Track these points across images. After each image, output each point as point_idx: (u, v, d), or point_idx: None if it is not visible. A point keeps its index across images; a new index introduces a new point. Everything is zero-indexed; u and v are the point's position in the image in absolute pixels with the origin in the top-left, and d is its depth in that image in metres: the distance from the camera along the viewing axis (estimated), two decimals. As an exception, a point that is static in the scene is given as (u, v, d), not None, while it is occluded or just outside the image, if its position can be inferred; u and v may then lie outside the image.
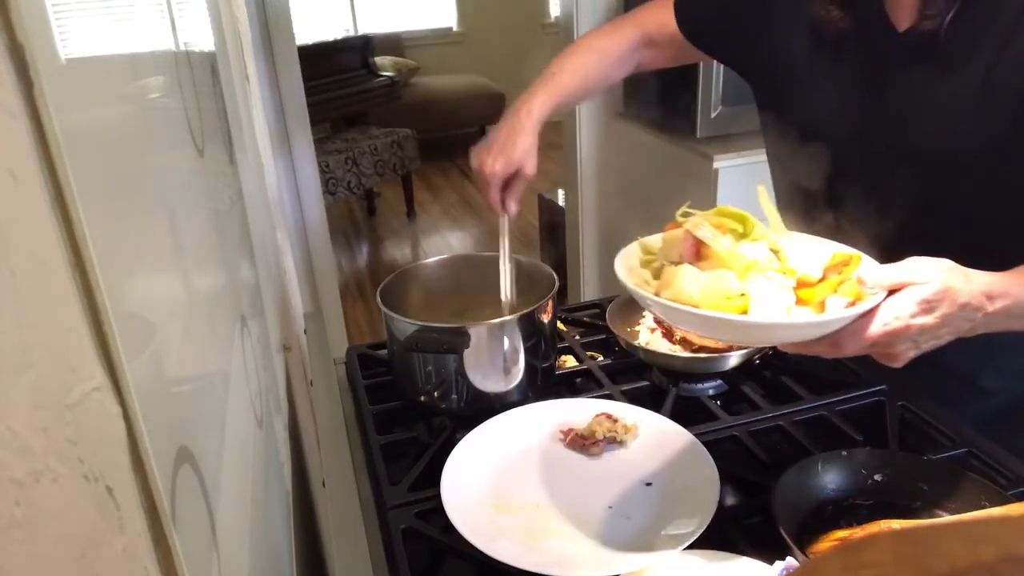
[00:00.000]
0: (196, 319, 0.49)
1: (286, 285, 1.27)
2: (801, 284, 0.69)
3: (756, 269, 0.68)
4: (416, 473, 0.90)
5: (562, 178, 3.02)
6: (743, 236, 0.71)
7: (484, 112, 5.90)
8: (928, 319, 0.67)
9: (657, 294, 0.70)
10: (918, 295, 0.67)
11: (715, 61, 1.16)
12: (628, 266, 0.75)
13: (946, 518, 0.77)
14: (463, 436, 0.91)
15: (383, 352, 1.18)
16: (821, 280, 0.69)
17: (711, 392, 1.05)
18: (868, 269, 0.69)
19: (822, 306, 0.68)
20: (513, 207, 1.03)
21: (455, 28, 6.40)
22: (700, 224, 0.71)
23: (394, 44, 5.91)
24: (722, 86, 2.20)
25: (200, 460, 0.40)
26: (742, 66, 1.12)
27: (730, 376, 1.06)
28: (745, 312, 0.66)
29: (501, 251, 1.06)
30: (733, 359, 1.03)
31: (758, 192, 0.75)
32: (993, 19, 0.83)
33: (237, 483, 0.53)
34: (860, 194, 0.98)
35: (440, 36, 6.36)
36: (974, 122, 0.85)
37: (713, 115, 2.25)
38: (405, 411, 1.05)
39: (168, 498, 0.31)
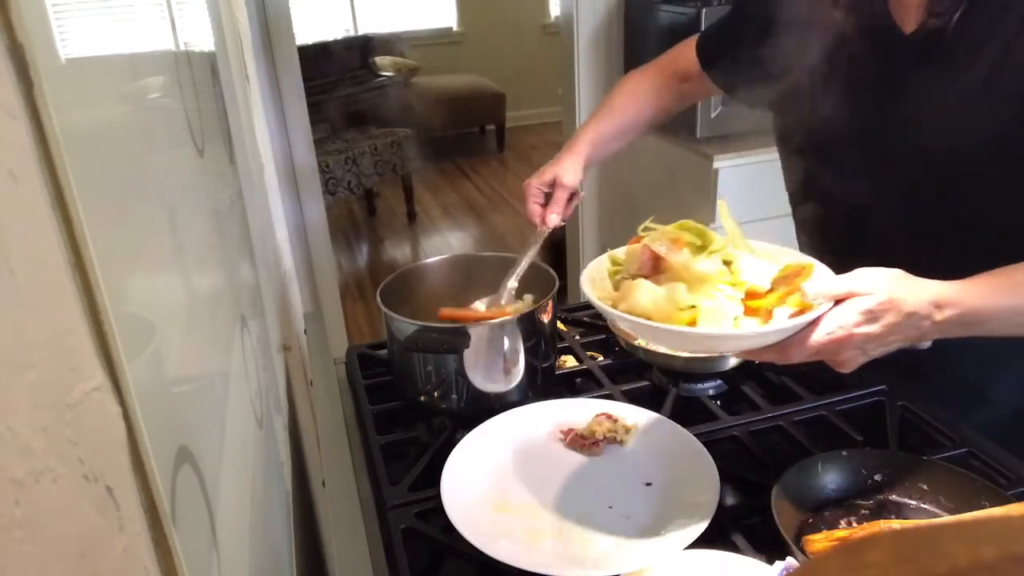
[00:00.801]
0: (196, 319, 0.49)
1: (286, 285, 1.27)
2: (750, 295, 0.71)
3: (707, 282, 0.72)
4: (416, 473, 0.90)
5: (562, 178, 3.02)
6: (702, 249, 0.74)
7: (484, 112, 5.90)
8: (873, 328, 0.70)
9: (615, 306, 0.73)
10: (862, 306, 0.69)
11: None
12: (592, 278, 0.80)
13: (946, 518, 0.77)
14: (463, 436, 0.91)
15: (383, 352, 1.18)
16: (770, 291, 0.72)
17: (711, 392, 1.05)
18: (815, 280, 0.72)
19: (770, 316, 0.70)
20: (553, 219, 1.08)
21: (455, 28, 6.40)
22: (657, 239, 0.75)
23: (394, 44, 5.91)
24: (722, 86, 2.20)
25: (200, 460, 0.40)
26: (759, 97, 1.14)
27: (730, 376, 1.06)
28: (694, 324, 0.70)
29: (527, 250, 1.08)
30: (733, 359, 1.03)
31: (718, 207, 0.78)
32: (1000, 19, 0.83)
33: (237, 483, 0.53)
34: (868, 195, 0.98)
35: (440, 36, 6.36)
36: (977, 122, 0.85)
37: (713, 115, 2.25)
38: (405, 411, 1.05)
39: (168, 498, 0.31)
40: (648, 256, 0.75)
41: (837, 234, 1.07)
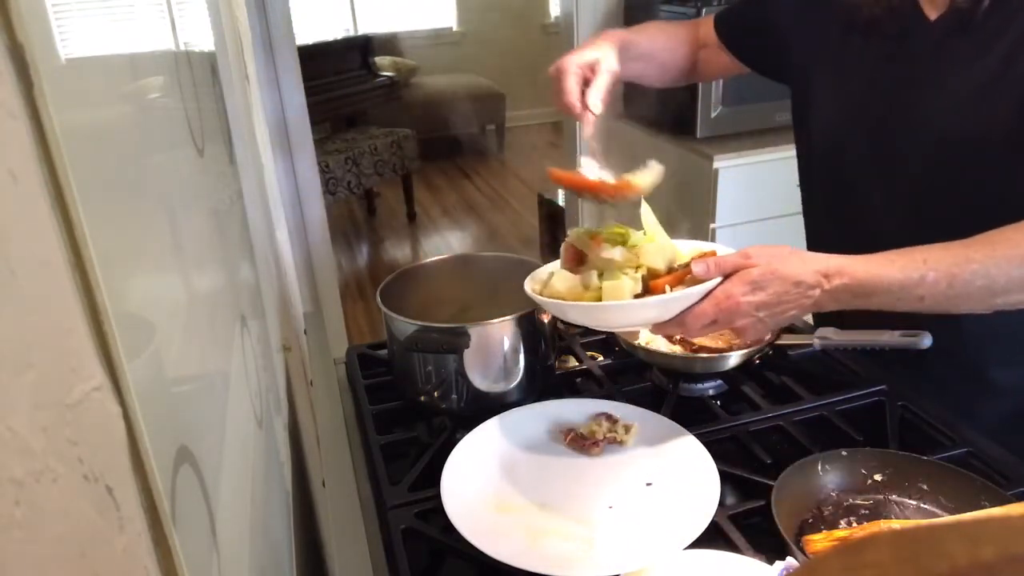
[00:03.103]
0: (196, 319, 0.49)
1: (286, 285, 1.27)
2: (652, 276, 0.82)
3: (613, 267, 0.82)
4: (416, 473, 0.90)
5: (562, 178, 3.02)
6: (622, 244, 0.84)
7: (484, 112, 5.90)
8: (760, 296, 0.78)
9: (540, 293, 0.87)
10: (746, 277, 0.78)
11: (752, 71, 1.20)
12: (533, 276, 0.92)
13: (946, 518, 0.77)
14: (463, 436, 0.91)
15: (383, 352, 1.18)
16: (668, 272, 0.82)
17: (711, 392, 1.05)
18: (703, 259, 0.80)
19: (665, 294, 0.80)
20: (597, 103, 0.92)
21: (455, 28, 6.40)
22: (579, 236, 0.86)
23: (394, 44, 5.91)
24: (722, 86, 2.20)
25: (200, 460, 0.40)
26: (777, 70, 1.15)
27: (730, 376, 1.06)
28: (599, 301, 0.81)
29: (588, 152, 0.92)
30: (733, 359, 1.03)
31: (642, 209, 0.88)
32: (1022, 8, 0.84)
33: (237, 483, 0.53)
34: (879, 185, 0.98)
35: (440, 36, 6.36)
36: (993, 111, 0.85)
37: (713, 115, 2.25)
38: (405, 411, 1.05)
39: (168, 498, 0.31)
40: (571, 252, 0.87)
41: (846, 225, 1.07)
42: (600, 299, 0.81)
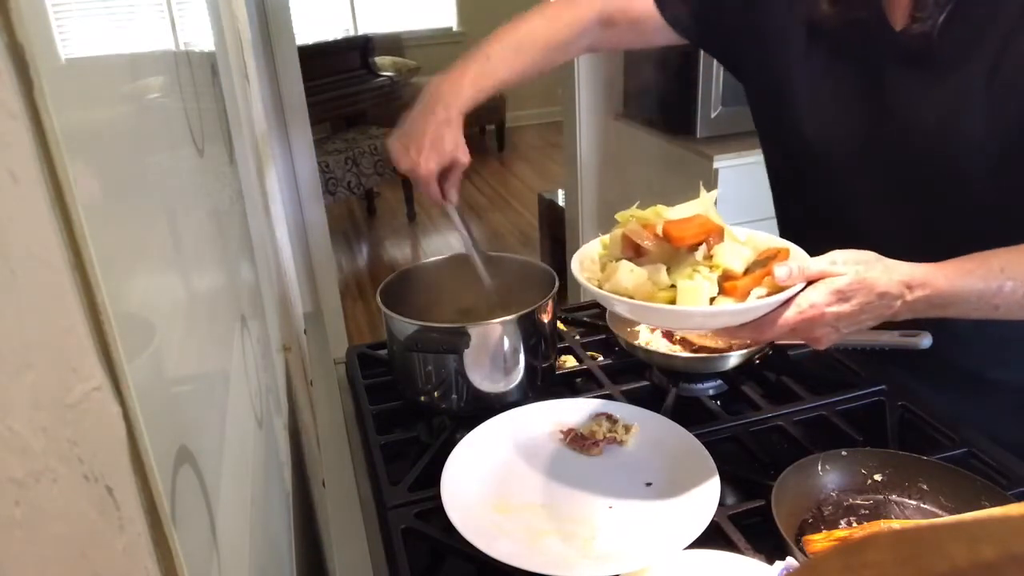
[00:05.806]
0: (196, 319, 0.49)
1: (286, 285, 1.27)
2: (727, 277, 0.76)
3: (686, 264, 0.76)
4: (416, 473, 0.90)
5: (562, 178, 3.03)
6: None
7: (484, 112, 5.89)
8: (844, 307, 0.73)
9: (600, 286, 0.78)
10: (833, 285, 0.73)
11: (710, 58, 1.14)
12: (581, 261, 0.84)
13: (946, 518, 0.77)
14: (463, 436, 0.91)
15: (383, 352, 1.18)
16: (746, 273, 0.76)
17: (711, 392, 1.05)
18: (786, 263, 0.75)
19: (744, 297, 0.74)
20: (454, 195, 1.01)
21: (455, 28, 6.40)
22: (634, 226, 0.79)
23: (394, 44, 5.91)
24: (722, 86, 2.20)
25: (200, 460, 0.40)
26: (734, 62, 1.10)
27: (730, 376, 1.06)
28: (673, 302, 0.74)
29: (463, 241, 1.05)
30: (733, 359, 1.03)
31: (705, 196, 0.82)
32: (992, 20, 0.81)
33: (237, 483, 0.53)
34: (863, 198, 0.97)
35: (440, 36, 6.36)
36: (974, 125, 0.83)
37: (713, 115, 2.25)
38: (405, 411, 1.05)
39: (168, 498, 0.31)
40: (628, 241, 0.79)
41: (821, 237, 1.05)
42: (674, 300, 0.75)
